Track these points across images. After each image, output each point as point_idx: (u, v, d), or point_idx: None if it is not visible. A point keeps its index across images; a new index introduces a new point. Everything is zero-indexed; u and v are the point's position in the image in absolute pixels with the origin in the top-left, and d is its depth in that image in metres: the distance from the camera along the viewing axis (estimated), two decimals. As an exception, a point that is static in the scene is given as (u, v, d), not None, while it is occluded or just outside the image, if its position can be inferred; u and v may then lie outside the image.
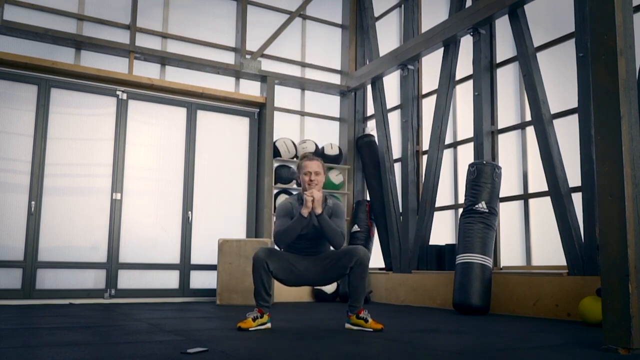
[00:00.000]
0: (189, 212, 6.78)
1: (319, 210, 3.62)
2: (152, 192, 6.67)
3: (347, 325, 3.75)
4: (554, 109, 5.20)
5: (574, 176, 4.91)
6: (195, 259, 6.77)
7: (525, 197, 5.54)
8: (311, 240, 3.75)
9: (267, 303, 3.65)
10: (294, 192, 6.90)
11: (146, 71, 6.78)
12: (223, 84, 7.28)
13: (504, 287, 5.19)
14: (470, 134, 6.03)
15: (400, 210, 6.76)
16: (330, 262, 3.73)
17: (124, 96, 6.63)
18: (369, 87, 7.64)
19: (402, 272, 6.53)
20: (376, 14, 7.80)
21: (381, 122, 7.22)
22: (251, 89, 7.46)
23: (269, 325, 3.69)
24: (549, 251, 5.19)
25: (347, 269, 3.67)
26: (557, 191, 4.94)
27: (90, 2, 6.62)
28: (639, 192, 2.76)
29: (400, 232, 6.70)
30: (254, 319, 3.60)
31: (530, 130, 5.51)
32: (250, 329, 3.54)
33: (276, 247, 3.81)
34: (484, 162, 5.40)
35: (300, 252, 3.78)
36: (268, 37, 7.52)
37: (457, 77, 6.38)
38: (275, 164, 7.24)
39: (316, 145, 7.41)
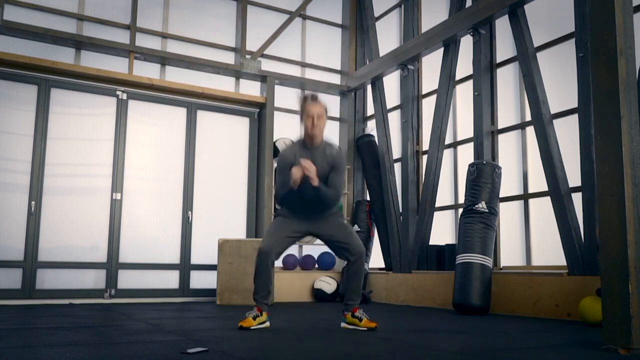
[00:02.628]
0: (189, 212, 6.78)
1: (315, 183, 3.52)
2: (152, 192, 6.67)
3: (343, 324, 3.77)
4: (554, 109, 5.20)
5: (574, 176, 4.91)
6: (195, 259, 6.77)
7: (525, 197, 5.54)
8: (312, 201, 3.66)
9: (266, 301, 3.68)
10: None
11: (146, 71, 6.78)
12: (223, 84, 7.27)
13: (504, 287, 5.19)
14: (470, 134, 6.03)
15: (400, 210, 6.76)
16: (330, 234, 3.75)
17: (124, 96, 6.63)
18: (369, 87, 7.64)
19: (402, 272, 6.53)
20: (376, 14, 7.80)
21: (381, 122, 7.22)
22: (251, 89, 7.46)
23: (268, 323, 3.71)
24: (549, 251, 5.19)
25: (344, 257, 3.76)
26: (557, 191, 4.94)
27: (90, 2, 6.61)
28: (639, 192, 2.76)
29: (400, 232, 6.70)
30: (254, 318, 3.62)
31: (530, 130, 5.51)
32: (251, 327, 3.56)
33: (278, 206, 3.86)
34: (484, 162, 5.40)
35: (301, 212, 3.72)
36: (268, 37, 7.52)
37: (457, 77, 6.37)
38: (275, 164, 7.23)
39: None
